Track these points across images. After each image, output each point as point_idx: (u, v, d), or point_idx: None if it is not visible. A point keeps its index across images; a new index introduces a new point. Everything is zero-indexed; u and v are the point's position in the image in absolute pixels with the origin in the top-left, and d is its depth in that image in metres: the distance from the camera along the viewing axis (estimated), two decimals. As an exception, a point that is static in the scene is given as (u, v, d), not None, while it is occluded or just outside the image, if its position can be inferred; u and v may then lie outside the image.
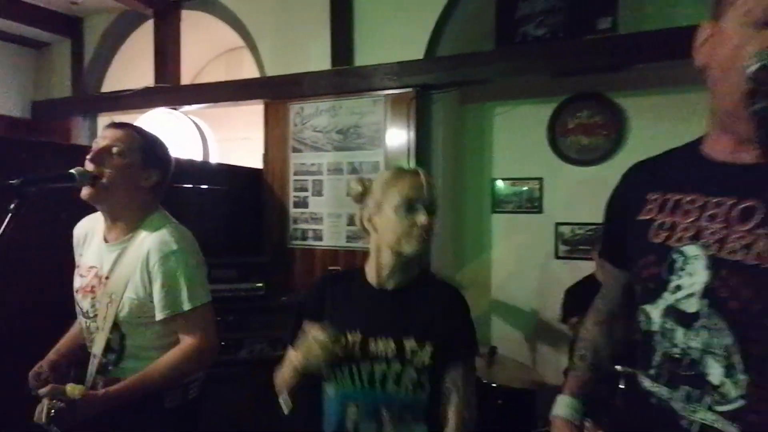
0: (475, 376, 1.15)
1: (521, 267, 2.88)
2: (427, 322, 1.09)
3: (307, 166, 2.78)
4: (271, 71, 2.88)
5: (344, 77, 2.67)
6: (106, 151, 1.23)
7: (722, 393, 0.69)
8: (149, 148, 1.32)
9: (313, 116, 2.77)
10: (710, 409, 0.70)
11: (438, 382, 1.08)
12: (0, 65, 3.62)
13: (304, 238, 2.77)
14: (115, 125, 1.31)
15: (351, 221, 2.66)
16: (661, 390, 0.78)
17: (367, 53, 2.66)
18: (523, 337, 2.84)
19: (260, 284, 2.23)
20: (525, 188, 2.89)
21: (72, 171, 1.18)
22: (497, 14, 2.52)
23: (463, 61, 2.49)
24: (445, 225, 2.76)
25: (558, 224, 2.78)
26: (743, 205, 0.69)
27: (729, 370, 0.68)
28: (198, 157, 3.03)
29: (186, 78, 3.65)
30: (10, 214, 0.85)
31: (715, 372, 0.70)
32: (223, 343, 2.09)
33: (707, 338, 0.70)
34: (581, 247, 2.70)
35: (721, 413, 0.69)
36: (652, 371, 0.79)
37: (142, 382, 1.23)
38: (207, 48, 3.80)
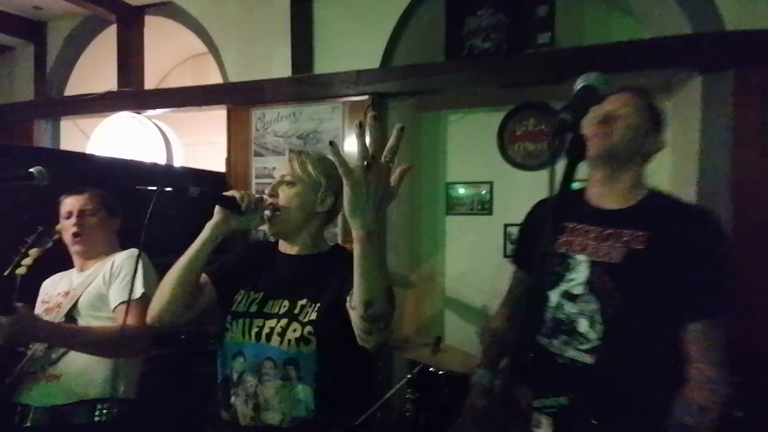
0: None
1: (473, 265, 3.04)
2: (322, 284, 1.16)
3: (268, 169, 2.88)
4: (234, 77, 2.98)
5: (304, 85, 2.79)
6: (82, 213, 1.59)
7: (586, 337, 1.13)
8: (109, 203, 1.67)
9: (274, 122, 2.88)
10: (576, 349, 1.14)
11: (327, 341, 1.11)
12: (-39, 68, 3.60)
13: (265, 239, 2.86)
14: (75, 193, 1.63)
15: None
16: (546, 341, 1.20)
17: (325, 62, 2.79)
18: (473, 331, 2.99)
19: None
20: (477, 191, 3.06)
21: (32, 170, 1.30)
22: (447, 28, 2.69)
23: (416, 71, 2.64)
24: (401, 226, 2.89)
25: (507, 225, 2.95)
26: (606, 232, 1.17)
27: (591, 324, 1.13)
28: (162, 160, 3.10)
29: (151, 83, 3.71)
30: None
31: (583, 324, 1.14)
32: (183, 336, 2.20)
33: (582, 306, 1.15)
34: (527, 246, 2.88)
35: (583, 350, 1.13)
36: (544, 330, 1.22)
37: (79, 330, 1.45)
38: (172, 53, 3.85)
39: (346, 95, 2.70)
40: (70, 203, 1.61)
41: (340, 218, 2.67)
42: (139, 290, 1.46)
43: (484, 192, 3.05)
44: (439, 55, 2.75)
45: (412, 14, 2.71)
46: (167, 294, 1.11)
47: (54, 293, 1.58)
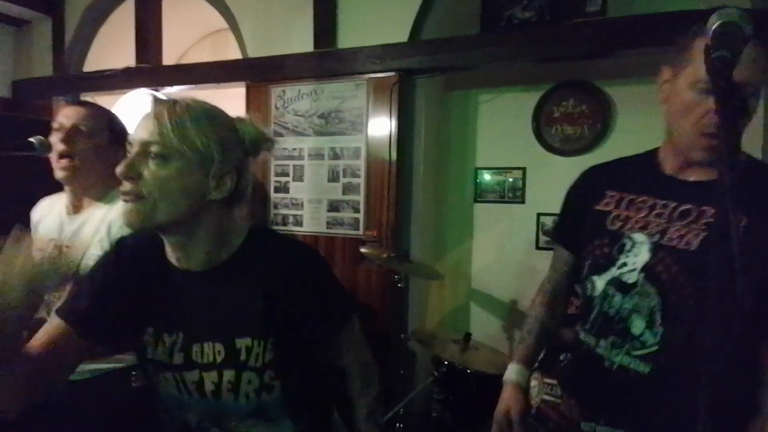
0: (362, 337, 0.98)
1: (502, 257, 2.86)
2: (258, 306, 0.83)
3: (288, 150, 2.74)
4: (253, 53, 2.83)
5: (326, 60, 2.62)
6: (76, 130, 1.26)
7: (641, 341, 0.93)
8: (115, 125, 1.35)
9: (294, 100, 2.72)
10: (628, 353, 0.94)
11: (291, 374, 0.87)
12: (-20, 44, 3.55)
13: (285, 224, 2.73)
14: (75, 103, 1.35)
15: (332, 207, 2.62)
16: (590, 339, 1.00)
17: (349, 36, 2.61)
18: (501, 326, 2.82)
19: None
20: (508, 178, 2.85)
21: (32, 140, 1.19)
22: (483, -3, 2.47)
23: (447, 45, 2.43)
24: (426, 214, 2.72)
25: (540, 215, 2.75)
26: (682, 208, 0.93)
27: (649, 325, 0.92)
28: (178, 139, 2.99)
29: (170, 60, 3.60)
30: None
31: (638, 325, 0.93)
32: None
33: (638, 301, 0.93)
34: (563, 237, 2.67)
35: (636, 356, 0.93)
36: (587, 326, 1.01)
37: None
38: (191, 30, 3.73)
39: (371, 71, 2.52)
40: (62, 115, 1.26)
41: (363, 204, 2.56)
42: None
43: (515, 179, 2.85)
44: (473, 27, 2.54)
45: (445, -17, 2.49)
46: None
47: (42, 239, 1.31)
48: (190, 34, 3.81)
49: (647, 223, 0.95)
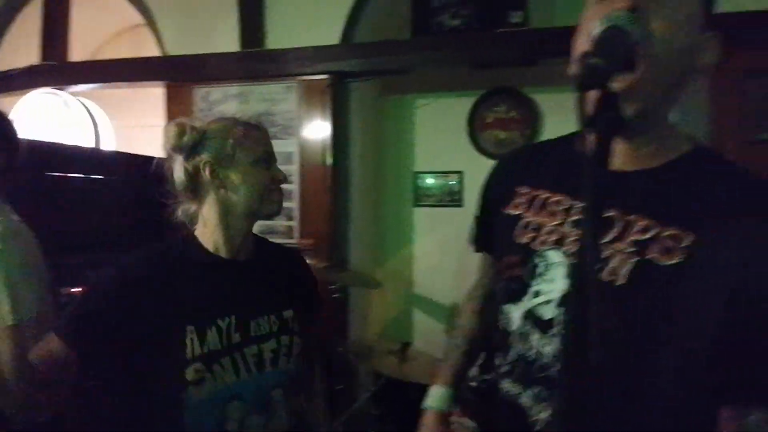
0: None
1: (443, 261, 2.85)
2: (294, 289, 1.06)
3: (214, 156, 2.56)
4: (173, 51, 2.62)
5: (254, 61, 2.48)
6: None
7: None
8: None
9: (220, 102, 2.55)
10: None
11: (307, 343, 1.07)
12: None
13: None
14: None
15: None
16: (512, 387, 0.76)
17: (279, 36, 2.49)
18: (443, 331, 2.80)
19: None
20: (446, 182, 2.86)
21: None
22: (413, 2, 2.45)
23: (380, 48, 2.40)
24: (364, 219, 2.66)
25: (477, 218, 2.77)
26: (605, 215, 0.64)
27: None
28: (89, 143, 2.70)
29: (82, 57, 3.27)
30: None
31: None
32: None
33: (559, 345, 0.68)
34: (499, 240, 2.72)
35: None
36: (506, 368, 0.77)
37: None
38: (104, 24, 3.43)
39: (302, 74, 2.42)
40: None
41: (298, 211, 2.44)
42: (6, 317, 1.02)
43: (453, 182, 2.85)
44: (405, 32, 2.51)
45: (376, -14, 2.45)
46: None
47: None
48: (104, 29, 3.50)
49: (563, 235, 0.70)
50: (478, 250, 0.98)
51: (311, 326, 1.11)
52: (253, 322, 0.97)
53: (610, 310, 0.61)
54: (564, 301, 0.68)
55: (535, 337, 0.72)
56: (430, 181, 2.89)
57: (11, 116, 2.66)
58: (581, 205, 0.67)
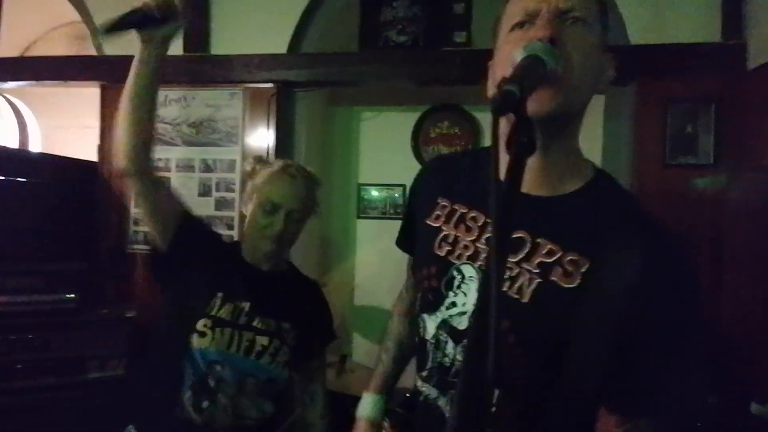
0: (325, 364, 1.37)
1: (384, 271, 2.87)
2: (301, 309, 1.23)
3: (152, 161, 2.47)
4: (110, 50, 2.53)
5: (198, 65, 2.43)
6: None
7: None
8: None
9: (161, 105, 2.47)
10: None
11: (296, 366, 1.24)
12: None
13: (147, 242, 2.45)
14: None
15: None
16: (431, 391, 0.80)
17: (224, 41, 2.46)
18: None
19: (72, 295, 1.86)
20: (390, 194, 2.91)
21: None
22: (361, 16, 2.51)
23: (327, 59, 2.42)
24: (310, 230, 2.64)
25: (419, 230, 2.84)
26: (515, 236, 0.69)
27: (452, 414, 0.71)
28: (13, 144, 2.54)
29: (11, 53, 3.07)
30: None
31: None
32: (19, 366, 1.74)
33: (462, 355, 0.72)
34: (439, 252, 2.79)
35: None
36: (424, 373, 0.81)
37: None
38: (37, 20, 3.24)
39: (248, 81, 2.40)
40: None
41: (238, 220, 2.39)
42: None
43: (397, 195, 2.91)
44: (352, 45, 2.56)
45: (324, -1, 2.48)
46: (123, 137, 1.10)
47: None
48: (35, 25, 3.31)
49: (477, 252, 0.74)
50: (404, 251, 1.00)
51: (315, 356, 1.29)
52: (258, 317, 1.17)
53: (514, 326, 0.66)
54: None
55: (450, 346, 0.76)
56: (374, 193, 2.94)
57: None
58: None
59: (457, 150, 2.88)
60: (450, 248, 0.77)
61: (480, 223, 0.76)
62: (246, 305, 1.16)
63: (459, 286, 0.75)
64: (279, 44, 2.42)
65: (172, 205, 1.18)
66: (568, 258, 0.67)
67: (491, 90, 0.70)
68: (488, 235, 0.74)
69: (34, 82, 2.60)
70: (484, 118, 2.88)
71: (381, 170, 2.94)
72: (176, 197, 1.21)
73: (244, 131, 2.41)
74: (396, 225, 3.17)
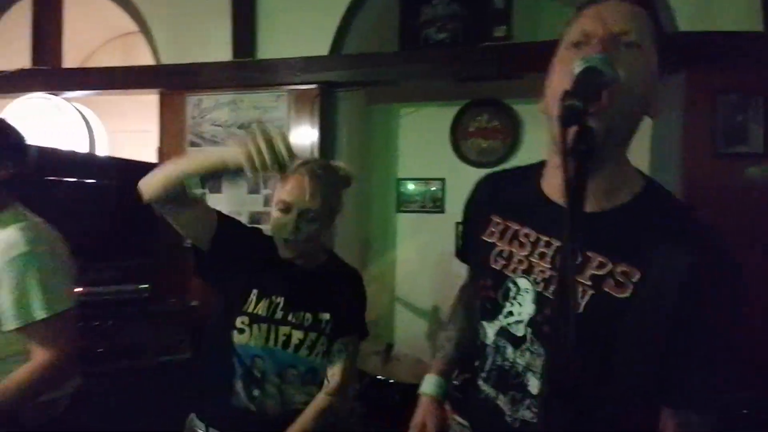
0: (357, 352, 1.35)
1: (424, 265, 2.95)
2: (337, 299, 1.24)
3: (206, 161, 2.63)
4: (167, 60, 2.70)
5: (246, 70, 2.56)
6: None
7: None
8: None
9: (212, 109, 2.63)
10: (529, 409, 0.81)
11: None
12: None
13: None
14: None
15: (252, 219, 2.56)
16: (490, 390, 0.87)
17: (270, 46, 2.58)
18: (424, 334, 2.91)
19: (145, 286, 2.05)
20: (428, 188, 2.96)
21: None
22: (401, 16, 2.56)
23: (368, 60, 2.49)
24: (350, 223, 2.75)
25: (459, 224, 2.87)
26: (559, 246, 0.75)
27: (544, 384, 0.77)
28: (83, 148, 2.76)
29: (74, 62, 3.33)
30: None
31: (533, 384, 0.80)
32: (100, 350, 1.94)
33: (529, 358, 0.80)
34: (479, 245, 2.83)
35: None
36: (484, 375, 0.88)
37: None
38: (98, 31, 3.48)
39: (292, 83, 2.51)
40: None
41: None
42: (38, 312, 1.11)
43: (436, 189, 2.96)
44: (392, 45, 2.62)
45: (365, 0, 2.55)
46: (159, 185, 1.08)
47: None
48: (96, 36, 3.55)
49: (531, 266, 0.80)
50: (464, 262, 1.09)
51: (346, 337, 1.27)
52: (294, 311, 1.20)
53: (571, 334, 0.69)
54: (532, 322, 0.79)
55: (509, 351, 0.83)
56: (413, 187, 3.00)
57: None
58: (546, 239, 0.80)
59: (497, 144, 2.90)
60: (505, 263, 0.84)
61: (532, 239, 0.82)
62: (280, 300, 1.19)
63: (515, 297, 0.81)
64: (321, 46, 2.51)
65: (206, 215, 1.17)
66: (620, 270, 0.71)
67: (553, 108, 0.73)
68: (541, 249, 0.80)
69: (98, 91, 2.82)
70: (525, 111, 2.87)
71: (420, 165, 2.99)
72: (206, 206, 1.21)
73: (289, 131, 2.53)
74: (435, 218, 3.24)
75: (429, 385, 1.09)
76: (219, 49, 2.60)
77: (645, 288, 0.69)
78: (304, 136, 2.50)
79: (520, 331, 0.80)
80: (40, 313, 1.12)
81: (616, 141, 0.74)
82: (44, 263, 1.15)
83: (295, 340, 1.18)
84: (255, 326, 1.17)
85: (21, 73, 2.85)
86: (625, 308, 0.70)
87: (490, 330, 0.86)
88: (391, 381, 2.07)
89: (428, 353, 2.83)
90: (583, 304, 0.71)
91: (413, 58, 2.51)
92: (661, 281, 0.69)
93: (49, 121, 2.72)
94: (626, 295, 0.70)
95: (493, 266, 0.85)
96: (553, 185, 0.82)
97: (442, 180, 2.94)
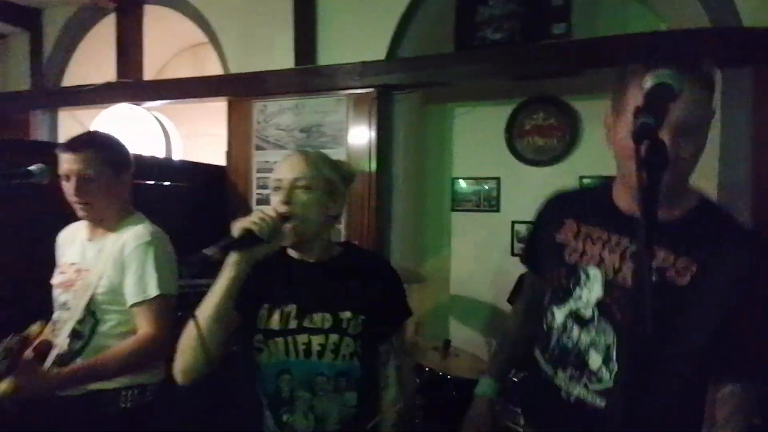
0: (406, 347, 1.29)
1: (479, 263, 2.97)
2: (359, 293, 1.12)
3: (270, 164, 2.79)
4: (234, 68, 2.89)
5: (307, 76, 2.70)
6: (83, 178, 1.36)
7: (598, 377, 0.92)
8: (114, 157, 1.44)
9: (276, 114, 2.79)
10: (585, 387, 0.94)
11: (370, 350, 1.13)
12: (-46, 55, 3.51)
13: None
14: (73, 148, 1.38)
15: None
16: (549, 369, 1.01)
17: (330, 52, 2.69)
18: (479, 331, 2.93)
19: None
20: (483, 187, 2.98)
21: (31, 168, 1.28)
22: (457, 18, 2.59)
23: (424, 62, 2.55)
24: (406, 221, 2.82)
25: (514, 222, 2.88)
26: (634, 248, 0.91)
27: (605, 361, 0.92)
28: (160, 153, 3.02)
29: (149, 73, 3.61)
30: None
31: (595, 360, 0.93)
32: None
33: (595, 336, 0.93)
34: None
35: (594, 391, 0.93)
36: (546, 355, 1.03)
37: (93, 365, 1.31)
38: (171, 43, 3.76)
39: (351, 87, 2.61)
40: (67, 162, 1.35)
41: (345, 214, 2.62)
42: (152, 290, 1.32)
43: (490, 188, 2.97)
44: (448, 46, 2.66)
45: (421, 3, 2.60)
46: (197, 353, 0.98)
47: (67, 261, 1.46)
48: (169, 47, 3.84)
49: (602, 258, 0.95)
50: (528, 268, 1.22)
51: (388, 333, 1.16)
52: (309, 315, 1.10)
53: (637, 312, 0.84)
54: (600, 304, 0.93)
55: (575, 331, 0.96)
56: (467, 186, 3.02)
57: (91, 127, 3.03)
58: (615, 238, 0.95)
59: (553, 141, 2.87)
60: (578, 257, 0.99)
61: (604, 238, 0.96)
62: (292, 308, 1.11)
63: (585, 284, 0.96)
64: (378, 50, 2.59)
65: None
66: (680, 262, 0.87)
67: (626, 141, 0.83)
68: (612, 247, 0.94)
69: (174, 101, 3.06)
70: (583, 107, 2.82)
71: (475, 164, 3.01)
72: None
73: (348, 134, 2.64)
74: (490, 217, 3.24)
75: (484, 386, 1.21)
76: (282, 57, 2.75)
77: (701, 278, 0.85)
78: (362, 137, 2.60)
79: (588, 312, 0.94)
80: (153, 291, 1.32)
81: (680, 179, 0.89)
82: (159, 251, 1.37)
83: (316, 347, 1.09)
84: (271, 342, 1.09)
85: (108, 85, 3.15)
86: (684, 293, 0.85)
87: (559, 314, 1.00)
88: (449, 376, 2.12)
89: (483, 349, 2.86)
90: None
91: (469, 59, 2.54)
92: (714, 273, 0.85)
93: (132, 129, 2.99)
94: (685, 282, 0.86)
95: (567, 260, 1.00)
96: (622, 199, 0.97)
97: (497, 179, 2.95)
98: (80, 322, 1.35)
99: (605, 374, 0.91)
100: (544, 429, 1.05)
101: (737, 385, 0.89)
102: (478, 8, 2.54)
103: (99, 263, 1.39)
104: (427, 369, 2.13)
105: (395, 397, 1.17)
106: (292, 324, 1.09)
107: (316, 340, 1.09)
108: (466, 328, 2.96)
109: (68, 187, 1.37)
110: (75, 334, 1.35)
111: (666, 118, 0.67)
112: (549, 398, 0.99)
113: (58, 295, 1.42)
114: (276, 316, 1.10)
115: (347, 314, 1.11)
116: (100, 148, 1.41)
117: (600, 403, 0.91)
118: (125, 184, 1.45)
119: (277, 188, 1.09)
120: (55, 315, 1.40)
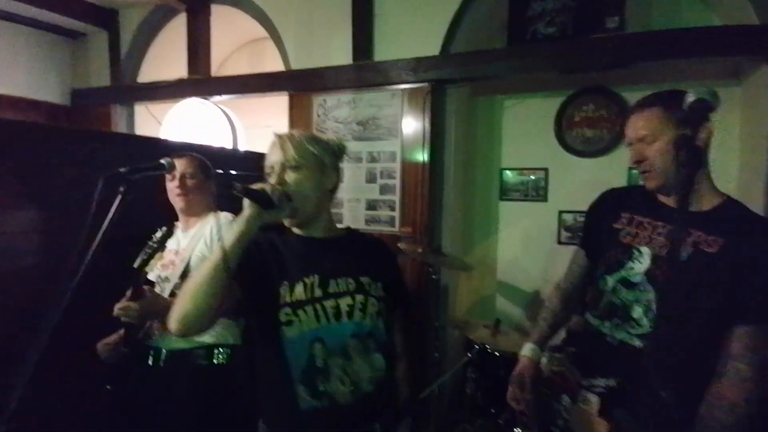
0: (408, 326, 1.41)
1: (526, 251, 3.08)
2: (371, 264, 1.24)
3: (328, 154, 2.99)
4: (295, 64, 3.08)
5: (364, 72, 2.86)
6: (185, 177, 1.76)
7: (638, 323, 1.21)
8: (206, 169, 1.84)
9: (334, 108, 2.97)
10: (627, 332, 1.22)
11: (389, 315, 1.23)
12: (37, 54, 3.85)
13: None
14: (182, 155, 1.78)
15: (369, 206, 2.88)
16: (597, 321, 1.30)
17: (385, 49, 2.84)
18: (524, 315, 3.06)
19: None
20: (531, 178, 3.07)
21: (162, 161, 1.44)
22: (510, 13, 2.66)
23: (476, 57, 2.65)
24: (455, 210, 2.96)
25: (561, 212, 2.96)
26: (671, 228, 1.22)
27: (646, 312, 1.20)
28: (228, 145, 3.27)
29: (212, 69, 3.87)
30: (120, 198, 1.08)
31: (638, 311, 1.22)
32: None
33: (639, 294, 1.22)
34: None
35: (634, 335, 1.21)
36: (596, 312, 1.31)
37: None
38: (231, 39, 3.99)
39: (405, 82, 2.75)
40: (182, 166, 1.76)
41: (399, 203, 2.79)
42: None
43: (538, 178, 3.06)
44: (500, 40, 2.74)
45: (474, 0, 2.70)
46: (198, 301, 1.00)
47: (167, 254, 1.77)
48: (229, 43, 4.08)
49: (651, 239, 1.24)
50: (584, 250, 1.45)
51: (395, 302, 1.29)
52: (332, 281, 1.16)
53: (677, 276, 1.17)
54: (647, 272, 1.21)
55: (623, 291, 1.24)
56: (515, 176, 3.12)
57: (164, 121, 3.31)
58: (660, 223, 1.24)
59: (602, 133, 2.91)
60: (631, 239, 1.28)
61: (652, 225, 1.26)
62: (315, 278, 1.15)
63: (636, 258, 1.24)
64: (432, 46, 2.71)
65: (234, 290, 1.09)
66: (711, 237, 1.15)
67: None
68: (659, 231, 1.24)
69: (238, 95, 3.30)
70: (633, 98, 2.83)
71: (523, 155, 3.09)
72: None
73: (402, 126, 2.79)
74: (538, 206, 3.35)
75: (527, 349, 1.44)
76: (340, 53, 2.92)
77: (726, 248, 1.12)
78: (416, 129, 2.74)
79: (636, 278, 1.23)
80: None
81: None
82: None
83: (344, 308, 1.14)
84: (300, 311, 1.11)
85: (179, 82, 3.43)
86: (713, 259, 1.12)
87: (611, 280, 1.28)
88: (498, 352, 2.27)
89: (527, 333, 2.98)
90: (687, 254, 1.16)
91: (521, 53, 2.61)
92: (738, 245, 1.11)
93: (202, 122, 3.26)
94: (714, 251, 1.13)
95: (623, 241, 1.28)
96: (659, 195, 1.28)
97: (545, 169, 3.03)
98: (177, 286, 1.64)
99: (645, 322, 1.19)
100: (589, 365, 1.26)
101: (751, 326, 1.09)
102: (531, 3, 2.61)
103: (191, 243, 1.72)
104: (477, 346, 2.30)
105: (405, 365, 1.34)
106: (318, 292, 1.14)
107: (344, 302, 1.15)
108: (512, 312, 3.09)
109: (172, 185, 1.76)
110: (173, 296, 1.63)
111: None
112: (595, 343, 1.27)
113: (160, 273, 1.72)
114: (299, 288, 1.14)
115: (367, 279, 1.20)
116: (196, 159, 1.83)
117: (638, 343, 1.19)
118: (212, 187, 1.86)
119: (269, 174, 1.15)
120: (157, 288, 1.68)
